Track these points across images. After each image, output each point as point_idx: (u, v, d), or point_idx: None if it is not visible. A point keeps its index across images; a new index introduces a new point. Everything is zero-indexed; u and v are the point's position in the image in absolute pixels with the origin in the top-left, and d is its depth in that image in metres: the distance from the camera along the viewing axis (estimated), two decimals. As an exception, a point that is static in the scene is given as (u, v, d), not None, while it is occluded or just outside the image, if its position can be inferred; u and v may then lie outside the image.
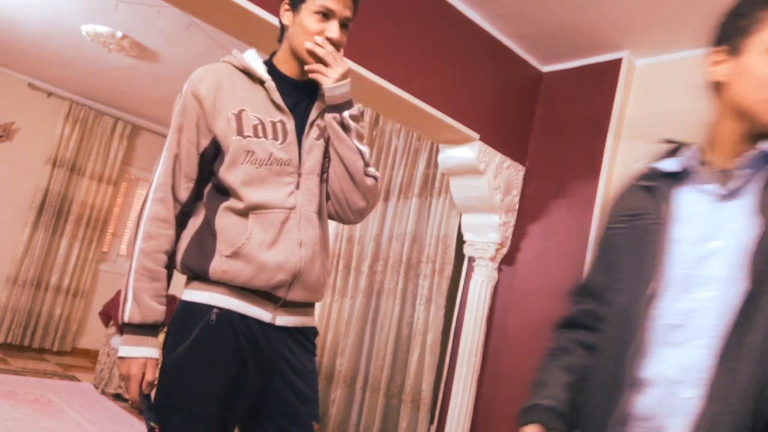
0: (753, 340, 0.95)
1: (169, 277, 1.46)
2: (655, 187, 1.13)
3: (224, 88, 1.43)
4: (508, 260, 3.23)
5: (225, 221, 1.41)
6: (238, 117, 1.42)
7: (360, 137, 1.51)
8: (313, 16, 1.43)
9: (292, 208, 1.43)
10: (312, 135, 1.50)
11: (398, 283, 3.56)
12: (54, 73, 5.34)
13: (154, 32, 3.96)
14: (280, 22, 1.52)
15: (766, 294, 0.96)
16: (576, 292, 1.26)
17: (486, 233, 3.19)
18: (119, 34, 3.99)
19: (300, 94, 1.51)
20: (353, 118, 1.49)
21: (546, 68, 3.38)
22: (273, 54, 1.55)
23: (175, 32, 3.88)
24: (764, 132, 1.06)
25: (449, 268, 3.34)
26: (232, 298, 1.40)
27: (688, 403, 0.99)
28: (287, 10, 1.49)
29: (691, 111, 2.80)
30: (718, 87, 1.12)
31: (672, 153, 1.17)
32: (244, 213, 1.41)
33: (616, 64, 3.03)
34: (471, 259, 3.30)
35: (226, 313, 1.40)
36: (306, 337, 1.51)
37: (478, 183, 3.10)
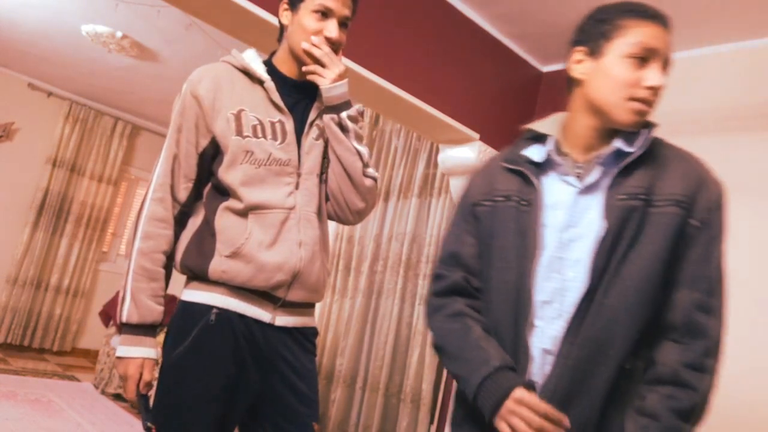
0: (586, 328, 1.11)
1: (168, 277, 1.46)
2: (522, 172, 1.23)
3: (223, 88, 1.43)
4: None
5: (224, 221, 1.41)
6: (238, 117, 1.42)
7: (359, 138, 1.51)
8: (312, 15, 1.43)
9: (291, 209, 1.43)
10: (311, 135, 1.50)
11: (398, 283, 3.56)
12: (54, 73, 5.34)
13: (154, 32, 3.96)
14: (280, 22, 1.52)
15: (601, 288, 1.11)
16: (446, 261, 1.31)
17: (486, 233, 3.17)
18: (119, 34, 3.99)
19: (299, 95, 1.51)
20: (351, 118, 1.49)
21: (546, 68, 3.38)
22: (273, 54, 1.55)
23: (175, 32, 3.88)
24: (615, 129, 1.18)
25: (449, 268, 3.33)
26: (232, 298, 1.40)
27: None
28: (286, 9, 1.49)
29: (690, 110, 2.81)
30: (576, 83, 1.22)
31: (535, 141, 1.27)
32: (243, 213, 1.41)
33: (616, 64, 3.03)
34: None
35: (225, 314, 1.40)
36: (306, 337, 1.51)
37: (478, 183, 3.09)
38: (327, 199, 1.54)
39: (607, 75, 1.16)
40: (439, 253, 1.34)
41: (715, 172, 1.20)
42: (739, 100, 2.68)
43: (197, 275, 1.42)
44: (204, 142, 1.43)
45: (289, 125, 1.46)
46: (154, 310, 1.40)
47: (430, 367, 3.26)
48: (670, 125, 2.85)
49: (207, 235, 1.42)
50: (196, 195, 1.47)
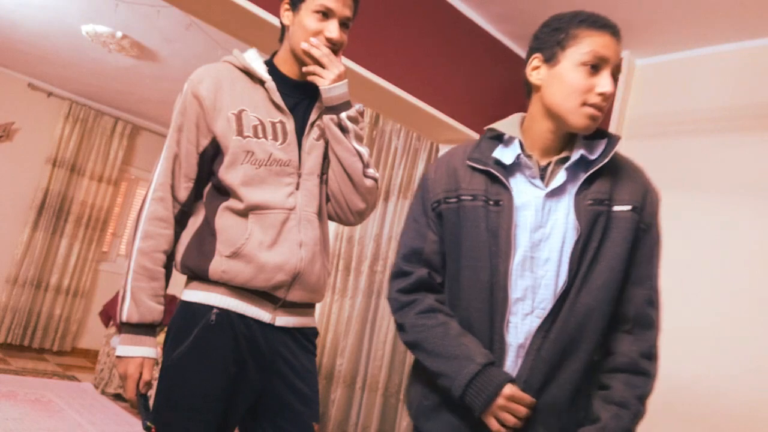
0: (560, 324, 1.18)
1: (168, 277, 1.46)
2: (490, 172, 1.27)
3: (224, 88, 1.43)
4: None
5: (225, 221, 1.41)
6: (238, 117, 1.42)
7: (359, 138, 1.50)
8: (313, 16, 1.43)
9: (291, 209, 1.43)
10: (312, 135, 1.50)
11: (398, 283, 3.55)
12: (54, 73, 5.34)
13: (154, 32, 3.96)
14: (281, 22, 1.52)
15: (574, 287, 1.19)
16: (408, 257, 1.33)
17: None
18: (119, 34, 3.99)
19: (301, 95, 1.51)
20: (351, 119, 1.49)
21: (546, 68, 3.37)
22: (274, 54, 1.55)
23: (175, 32, 3.88)
24: (571, 132, 1.25)
25: (449, 268, 3.33)
26: (232, 299, 1.40)
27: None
28: (287, 9, 1.49)
29: (691, 111, 2.81)
30: (534, 88, 1.29)
31: (497, 141, 1.32)
32: (243, 213, 1.41)
33: (616, 64, 3.03)
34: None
35: (225, 314, 1.40)
36: (306, 337, 1.51)
37: (478, 183, 3.09)
38: (328, 199, 1.54)
39: (562, 81, 1.22)
40: (400, 250, 1.36)
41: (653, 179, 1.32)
42: (739, 100, 2.68)
43: (197, 275, 1.42)
44: (205, 142, 1.43)
45: (290, 125, 1.46)
46: (154, 310, 1.40)
47: (430, 367, 3.25)
48: (670, 125, 2.86)
49: (207, 235, 1.42)
50: (196, 195, 1.47)
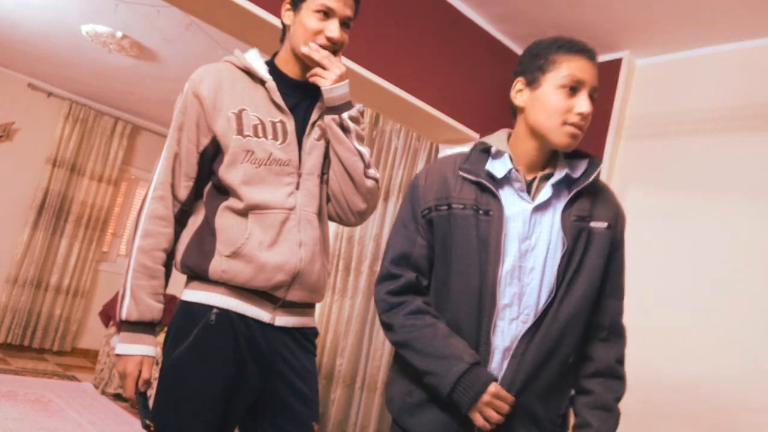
0: (544, 331, 1.27)
1: (168, 276, 1.46)
2: (482, 183, 1.34)
3: (225, 88, 1.43)
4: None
5: (225, 221, 1.41)
6: (239, 116, 1.42)
7: (360, 139, 1.51)
8: (314, 15, 1.43)
9: (291, 209, 1.43)
10: (313, 135, 1.50)
11: (398, 283, 3.55)
12: (54, 73, 5.34)
13: (154, 32, 3.96)
14: (282, 22, 1.52)
15: (558, 297, 1.28)
16: (397, 261, 1.39)
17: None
18: (119, 34, 3.99)
19: (301, 95, 1.51)
20: (353, 119, 1.49)
21: (546, 68, 3.37)
22: (275, 54, 1.55)
23: (175, 32, 3.88)
24: (554, 150, 1.35)
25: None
26: (232, 298, 1.40)
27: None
28: (288, 9, 1.49)
29: (691, 111, 2.81)
30: (519, 110, 1.38)
31: (486, 154, 1.39)
32: (243, 213, 1.41)
33: (617, 64, 3.03)
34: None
35: (225, 314, 1.40)
36: (306, 337, 1.51)
37: (478, 183, 3.10)
38: (328, 200, 1.54)
39: (543, 103, 1.31)
40: (389, 253, 1.41)
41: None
42: (739, 100, 2.68)
43: (197, 275, 1.42)
44: (205, 141, 1.44)
45: (290, 125, 1.46)
46: (154, 308, 1.40)
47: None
48: (671, 125, 2.86)
49: (207, 234, 1.42)
50: (196, 194, 1.47)
